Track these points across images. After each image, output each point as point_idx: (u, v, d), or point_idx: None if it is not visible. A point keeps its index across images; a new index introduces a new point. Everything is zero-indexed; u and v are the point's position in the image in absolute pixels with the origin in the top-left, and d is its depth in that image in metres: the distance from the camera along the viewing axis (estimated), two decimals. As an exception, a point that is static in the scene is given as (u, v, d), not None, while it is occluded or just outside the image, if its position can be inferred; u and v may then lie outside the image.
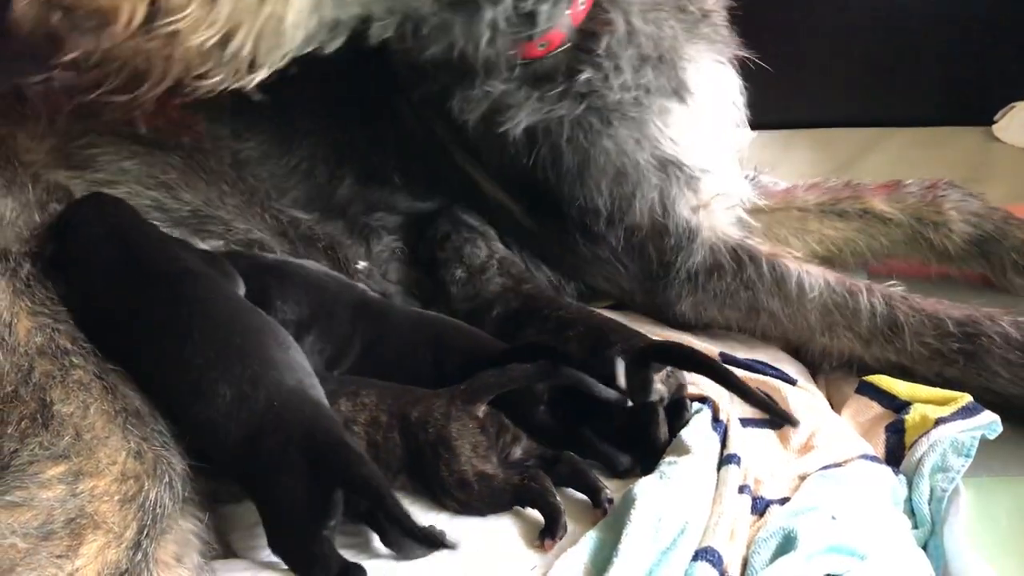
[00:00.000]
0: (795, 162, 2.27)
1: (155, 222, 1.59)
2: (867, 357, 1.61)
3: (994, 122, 2.42)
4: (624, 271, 1.75)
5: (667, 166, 1.68)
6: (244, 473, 1.25)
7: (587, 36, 1.63)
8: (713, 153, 1.76)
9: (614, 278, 1.77)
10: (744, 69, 1.84)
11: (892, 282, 1.67)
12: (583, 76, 1.62)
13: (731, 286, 1.68)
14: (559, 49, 1.63)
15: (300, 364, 1.33)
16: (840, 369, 1.66)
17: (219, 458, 1.28)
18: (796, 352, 1.70)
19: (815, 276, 1.65)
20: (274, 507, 1.21)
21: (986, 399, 1.49)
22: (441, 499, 1.33)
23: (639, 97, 1.66)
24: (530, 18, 1.55)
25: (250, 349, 1.30)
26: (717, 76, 1.79)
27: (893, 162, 2.28)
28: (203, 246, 1.62)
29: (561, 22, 1.60)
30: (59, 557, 1.06)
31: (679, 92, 1.70)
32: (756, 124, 1.92)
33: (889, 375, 1.58)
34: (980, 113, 2.37)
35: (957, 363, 1.55)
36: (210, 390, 1.25)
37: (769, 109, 1.95)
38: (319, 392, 1.31)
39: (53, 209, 1.49)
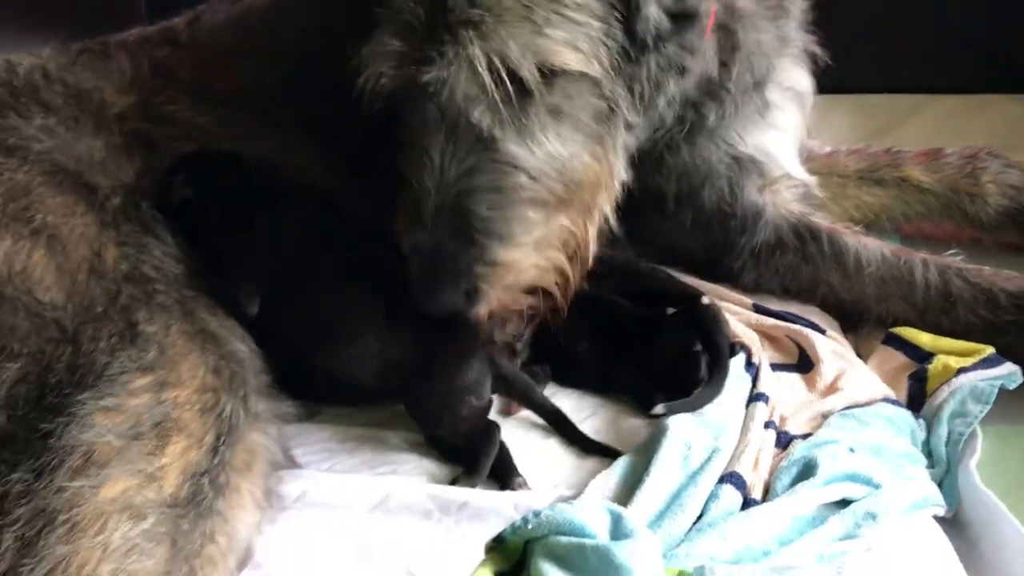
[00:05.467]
0: (836, 127, 2.28)
1: None
2: (921, 325, 1.65)
3: (1034, 90, 2.43)
4: (690, 243, 1.79)
5: (740, 160, 1.74)
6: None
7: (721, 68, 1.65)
8: (782, 142, 1.81)
9: (679, 246, 1.81)
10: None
11: (952, 251, 1.71)
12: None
13: (792, 262, 1.74)
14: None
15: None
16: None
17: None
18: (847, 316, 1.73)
19: (872, 250, 1.70)
20: None
21: None
22: None
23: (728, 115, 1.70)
24: None
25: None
26: (795, 83, 1.83)
27: (933, 129, 2.28)
28: None
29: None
30: (148, 455, 1.18)
31: (762, 111, 1.75)
32: (798, 89, 1.94)
33: None
34: (1020, 80, 2.37)
35: (1010, 334, 1.59)
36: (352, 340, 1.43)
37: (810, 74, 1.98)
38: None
39: (139, 155, 1.57)
